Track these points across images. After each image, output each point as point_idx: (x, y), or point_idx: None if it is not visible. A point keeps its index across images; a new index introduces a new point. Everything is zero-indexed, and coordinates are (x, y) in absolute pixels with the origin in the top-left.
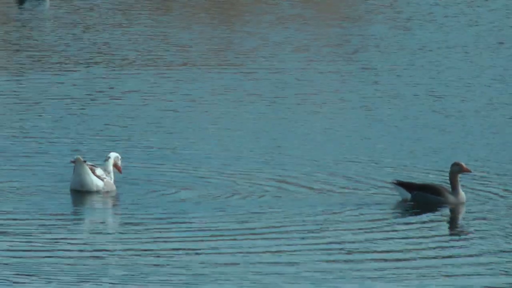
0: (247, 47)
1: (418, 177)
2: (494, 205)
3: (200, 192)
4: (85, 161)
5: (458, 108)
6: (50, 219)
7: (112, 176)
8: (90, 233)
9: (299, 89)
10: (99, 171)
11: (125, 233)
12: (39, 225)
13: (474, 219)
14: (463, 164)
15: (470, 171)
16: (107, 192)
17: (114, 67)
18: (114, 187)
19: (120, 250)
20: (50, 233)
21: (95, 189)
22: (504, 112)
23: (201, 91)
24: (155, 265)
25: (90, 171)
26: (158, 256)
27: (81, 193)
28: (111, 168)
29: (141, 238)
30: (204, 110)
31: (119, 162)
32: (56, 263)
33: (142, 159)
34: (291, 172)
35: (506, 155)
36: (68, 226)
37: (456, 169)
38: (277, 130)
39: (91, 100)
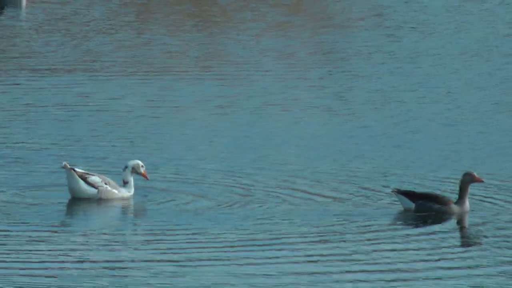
0: (234, 54)
1: (411, 185)
2: (497, 213)
3: (195, 200)
4: (72, 168)
5: (445, 114)
6: (37, 229)
7: (132, 185)
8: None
9: (286, 96)
10: (94, 178)
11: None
12: (26, 236)
13: (479, 229)
14: (475, 174)
15: (483, 181)
16: (102, 200)
17: (95, 73)
18: (114, 196)
19: (104, 260)
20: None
21: (85, 196)
22: (491, 118)
23: (185, 98)
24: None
25: (78, 178)
26: (150, 268)
27: (74, 200)
28: (129, 178)
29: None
30: (188, 117)
31: (142, 169)
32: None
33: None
34: (282, 181)
35: (493, 162)
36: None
37: (468, 179)
38: (265, 137)
39: (73, 106)
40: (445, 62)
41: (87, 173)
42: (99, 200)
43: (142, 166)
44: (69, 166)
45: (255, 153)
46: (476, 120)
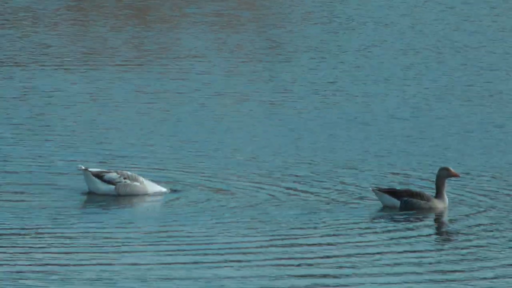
0: (180, 48)
1: (368, 179)
2: (473, 206)
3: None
4: (86, 169)
5: (395, 107)
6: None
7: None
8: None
9: (231, 90)
10: (110, 175)
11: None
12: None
13: (460, 223)
14: (451, 168)
15: (459, 176)
16: (122, 195)
17: (42, 66)
18: (135, 189)
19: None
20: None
21: (101, 193)
22: (436, 113)
23: (129, 92)
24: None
25: (93, 178)
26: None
27: (95, 195)
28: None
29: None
30: (131, 111)
31: None
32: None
33: (76, 160)
34: (245, 178)
35: (449, 155)
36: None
37: (444, 174)
38: (209, 131)
39: (16, 98)
40: (396, 55)
41: (103, 171)
42: (119, 196)
43: None
44: (83, 168)
45: (199, 147)
46: (428, 112)
